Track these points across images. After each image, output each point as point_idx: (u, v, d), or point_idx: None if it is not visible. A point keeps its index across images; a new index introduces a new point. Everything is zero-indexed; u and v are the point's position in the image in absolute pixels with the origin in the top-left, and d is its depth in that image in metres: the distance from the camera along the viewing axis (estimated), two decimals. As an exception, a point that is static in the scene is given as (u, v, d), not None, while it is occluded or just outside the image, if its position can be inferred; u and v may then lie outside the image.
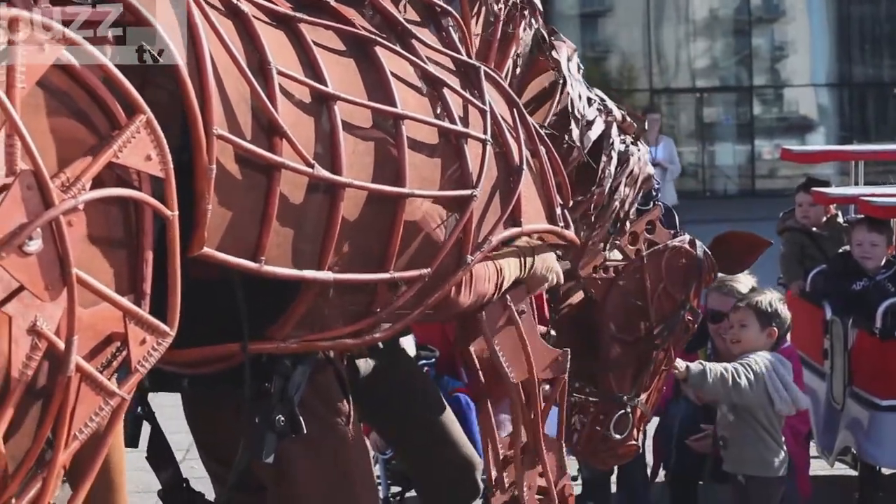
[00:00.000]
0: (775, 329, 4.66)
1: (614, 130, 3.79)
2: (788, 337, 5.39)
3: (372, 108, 2.56)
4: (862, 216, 5.93)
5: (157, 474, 2.79)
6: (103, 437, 1.95)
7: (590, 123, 3.64)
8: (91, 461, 1.95)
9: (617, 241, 3.88)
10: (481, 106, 2.87)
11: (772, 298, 4.73)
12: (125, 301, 1.97)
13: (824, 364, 5.55)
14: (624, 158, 3.80)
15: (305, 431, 2.58)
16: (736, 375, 4.46)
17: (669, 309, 4.04)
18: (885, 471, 5.78)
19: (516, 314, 3.09)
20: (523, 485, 3.20)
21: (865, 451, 5.20)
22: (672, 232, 4.09)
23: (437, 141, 2.73)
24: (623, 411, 3.98)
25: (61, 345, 1.81)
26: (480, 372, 3.18)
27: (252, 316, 2.47)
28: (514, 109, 3.08)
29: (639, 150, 3.90)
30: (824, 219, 6.60)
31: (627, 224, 3.90)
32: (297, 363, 2.61)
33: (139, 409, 2.76)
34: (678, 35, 23.85)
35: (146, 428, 2.81)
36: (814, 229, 6.55)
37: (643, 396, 4.04)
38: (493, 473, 3.24)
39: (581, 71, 3.79)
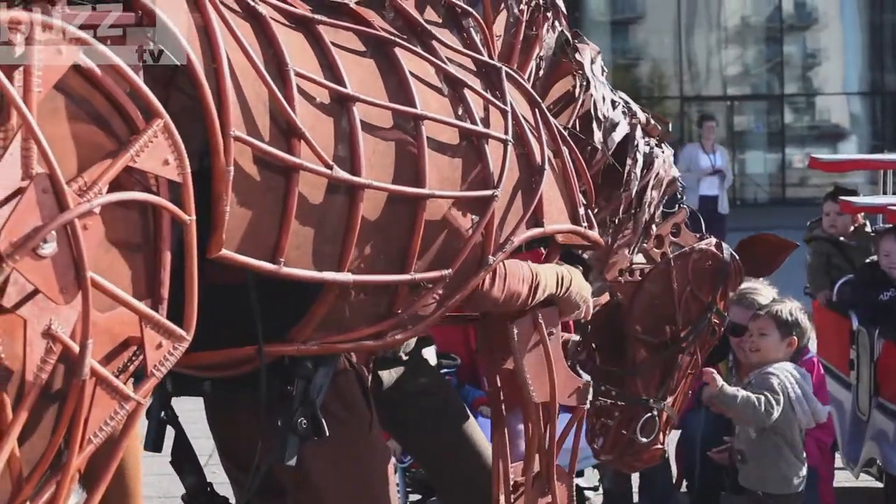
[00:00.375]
0: (795, 339, 4.63)
1: (639, 133, 3.76)
2: (811, 346, 5.38)
3: (392, 110, 2.55)
4: (890, 226, 5.88)
5: (182, 479, 2.78)
6: (118, 442, 1.95)
7: (614, 126, 3.62)
8: (106, 465, 1.94)
9: (643, 244, 3.85)
10: (502, 107, 2.86)
11: (792, 307, 4.69)
12: (141, 305, 1.97)
13: (850, 375, 5.50)
14: (649, 161, 3.78)
15: (328, 434, 2.57)
16: (768, 406, 4.41)
17: (696, 312, 4.01)
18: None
19: (546, 334, 3.05)
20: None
21: (891, 463, 5.15)
22: (698, 235, 4.07)
23: (458, 142, 2.72)
24: (649, 414, 3.95)
25: (76, 348, 1.81)
26: (500, 385, 3.14)
27: (272, 318, 2.45)
28: (537, 109, 3.06)
29: (663, 153, 3.88)
30: (852, 228, 6.55)
31: (653, 227, 3.87)
32: (319, 365, 2.60)
33: (163, 413, 2.76)
34: (709, 42, 23.80)
35: (170, 433, 2.80)
36: (841, 239, 6.50)
37: (669, 400, 4.02)
38: (501, 499, 3.18)
39: (605, 73, 3.77)
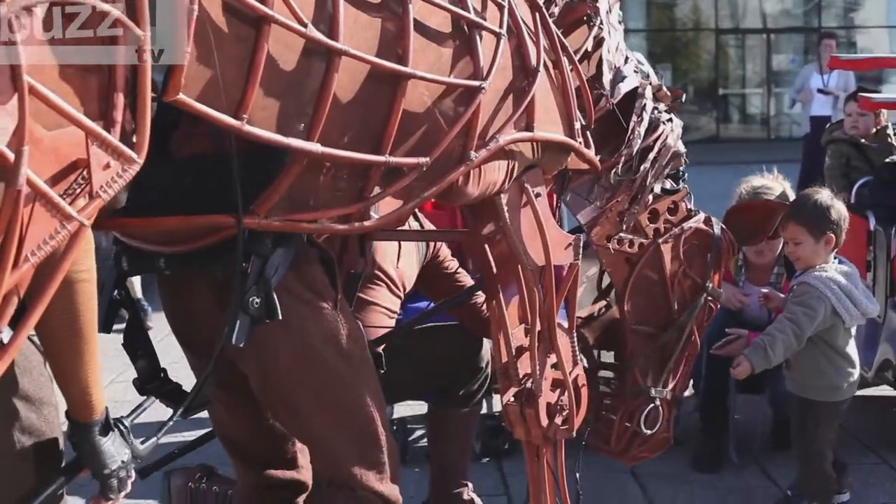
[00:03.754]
0: (832, 235, 4.41)
1: (648, 93, 3.66)
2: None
3: (376, -18, 2.44)
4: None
5: (133, 362, 2.70)
6: (58, 264, 1.87)
7: (623, 77, 3.53)
8: (46, 285, 1.84)
9: (635, 214, 3.70)
10: (500, 1, 2.75)
11: (817, 200, 4.46)
12: (88, 121, 1.89)
13: (867, 277, 5.36)
14: (655, 125, 3.66)
15: (281, 317, 2.49)
16: (797, 330, 4.29)
17: (690, 293, 3.90)
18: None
19: (533, 196, 3.00)
20: (538, 374, 3.10)
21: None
22: (689, 212, 3.90)
23: (448, 30, 2.62)
24: (652, 405, 3.87)
25: (11, 155, 1.72)
26: (493, 261, 3.06)
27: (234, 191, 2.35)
28: (537, 13, 2.97)
29: (672, 123, 3.74)
30: (874, 130, 6.39)
31: (650, 199, 3.72)
32: (279, 245, 2.51)
33: (115, 292, 2.67)
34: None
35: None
36: (862, 141, 6.35)
37: (671, 385, 3.93)
38: (506, 362, 3.12)
39: (622, 24, 3.68)
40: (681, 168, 3.80)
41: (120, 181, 1.92)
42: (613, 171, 3.57)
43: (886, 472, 4.93)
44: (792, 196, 4.98)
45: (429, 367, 4.00)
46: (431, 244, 4.22)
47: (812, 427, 4.43)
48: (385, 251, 4.01)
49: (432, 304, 4.17)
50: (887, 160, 5.81)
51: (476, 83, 2.63)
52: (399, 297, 4.09)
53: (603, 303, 3.98)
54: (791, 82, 23.24)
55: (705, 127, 23.78)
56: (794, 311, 4.33)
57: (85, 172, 1.88)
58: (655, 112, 3.65)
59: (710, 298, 3.94)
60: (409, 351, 3.81)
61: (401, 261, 4.08)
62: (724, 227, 3.98)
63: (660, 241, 3.77)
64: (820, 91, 11.53)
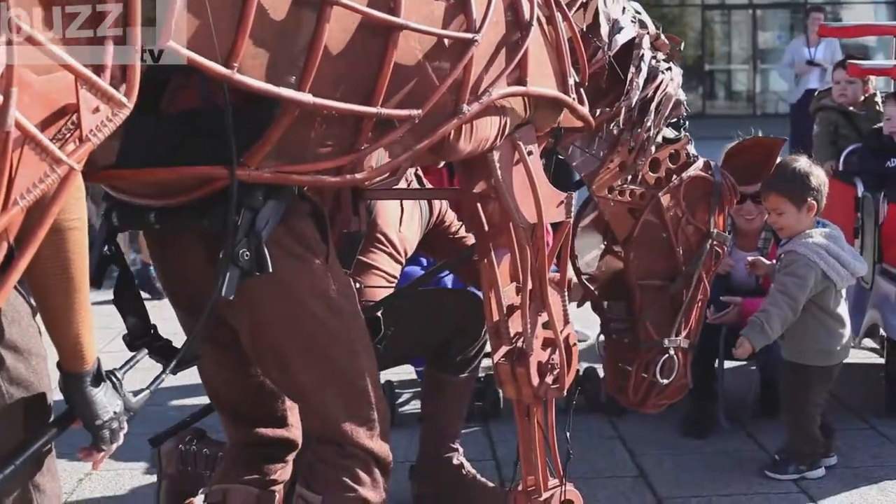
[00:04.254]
0: (813, 202, 4.43)
1: (646, 42, 3.64)
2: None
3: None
4: (893, 91, 5.73)
5: (124, 319, 2.68)
6: (48, 207, 1.85)
7: (620, 28, 3.50)
8: (36, 230, 1.83)
9: (638, 165, 3.69)
10: None
11: (796, 168, 4.47)
12: (78, 64, 1.85)
13: (854, 244, 5.36)
14: (654, 74, 3.64)
15: (271, 270, 2.47)
16: (791, 301, 4.33)
17: (696, 241, 3.91)
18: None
19: (525, 154, 2.98)
20: (529, 332, 3.09)
21: (892, 327, 5.04)
22: (688, 159, 3.88)
23: None
24: (666, 356, 3.89)
25: (-1, 97, 1.69)
26: (484, 219, 3.05)
27: (228, 143, 2.35)
28: None
29: (671, 72, 3.73)
30: (862, 98, 6.39)
31: (651, 149, 3.71)
32: (270, 198, 2.49)
33: (106, 248, 2.65)
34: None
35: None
36: (850, 108, 6.35)
37: (683, 333, 3.94)
38: (497, 321, 3.11)
39: None
40: (682, 116, 3.78)
41: (110, 125, 1.91)
42: (614, 122, 3.56)
43: (873, 436, 4.95)
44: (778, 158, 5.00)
45: (428, 332, 3.98)
46: (436, 208, 4.21)
47: (802, 391, 4.45)
48: (388, 216, 4.00)
49: (428, 267, 4.17)
50: (875, 127, 5.81)
51: (468, 36, 2.62)
52: (400, 262, 4.09)
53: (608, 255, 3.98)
54: (777, 59, 23.26)
55: (691, 103, 23.45)
56: (785, 282, 4.35)
57: (75, 117, 1.87)
58: (654, 61, 3.63)
59: (715, 243, 3.94)
60: (410, 314, 3.79)
61: (403, 226, 4.07)
62: (723, 171, 3.98)
63: (661, 193, 3.77)
64: (809, 63, 11.53)
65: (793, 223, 4.44)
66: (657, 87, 3.61)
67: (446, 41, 2.60)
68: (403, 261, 4.12)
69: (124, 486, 4.55)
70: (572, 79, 3.02)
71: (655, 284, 3.86)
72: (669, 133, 3.79)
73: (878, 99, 6.37)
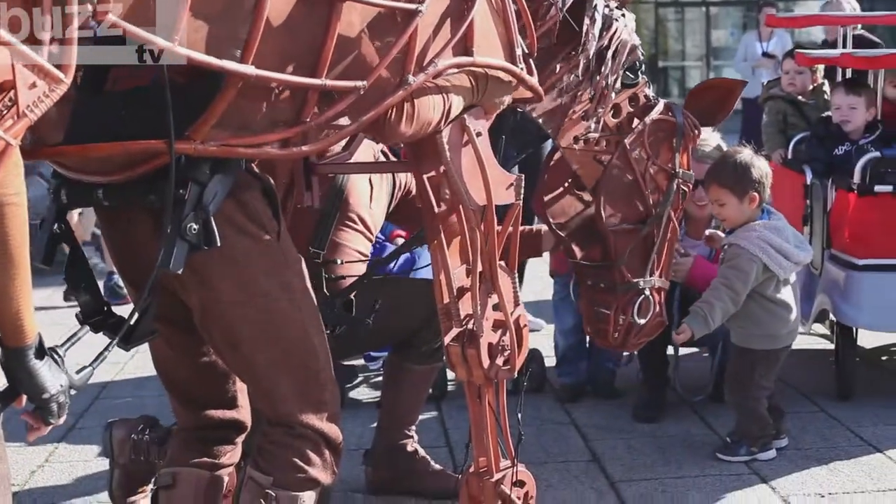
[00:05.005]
0: (755, 194, 4.50)
1: None
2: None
3: None
4: (840, 80, 5.79)
5: (76, 297, 2.66)
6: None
7: None
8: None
9: (599, 113, 3.73)
10: None
11: (738, 160, 4.54)
12: (13, 39, 1.84)
13: (804, 231, 5.42)
14: (608, 23, 3.66)
15: (220, 244, 2.47)
16: (733, 294, 4.43)
17: (663, 182, 3.95)
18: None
19: (474, 135, 3.00)
20: (479, 314, 3.10)
21: (842, 312, 5.11)
22: (647, 101, 3.92)
23: None
24: (642, 296, 3.95)
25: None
26: (434, 201, 3.06)
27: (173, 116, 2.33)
28: None
29: (624, 18, 3.74)
30: (811, 87, 6.46)
31: (612, 95, 3.75)
32: (217, 172, 2.49)
33: (56, 226, 2.63)
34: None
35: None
36: (799, 98, 6.41)
37: (657, 273, 3.99)
38: (447, 303, 3.12)
39: None
40: (638, 60, 3.82)
41: (47, 101, 1.91)
42: (573, 74, 3.58)
43: (823, 419, 5.00)
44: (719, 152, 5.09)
45: (395, 320, 3.97)
46: (401, 180, 4.22)
47: (748, 373, 4.52)
48: (359, 194, 4.01)
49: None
50: (822, 115, 5.87)
51: (413, 6, 2.62)
52: (371, 239, 4.10)
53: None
54: (731, 56, 23.39)
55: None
56: (728, 275, 4.44)
57: (12, 94, 1.86)
58: (607, 10, 3.66)
59: (681, 182, 4.00)
60: (378, 301, 3.79)
61: (373, 203, 4.08)
62: (685, 111, 4.03)
63: (626, 140, 3.82)
64: (765, 55, 11.63)
65: (735, 214, 4.53)
66: (612, 35, 3.64)
67: (391, 12, 2.60)
68: (373, 238, 4.14)
69: (77, 477, 4.53)
70: (520, 49, 3.02)
71: (627, 228, 3.92)
72: (627, 79, 3.83)
73: (826, 88, 6.45)
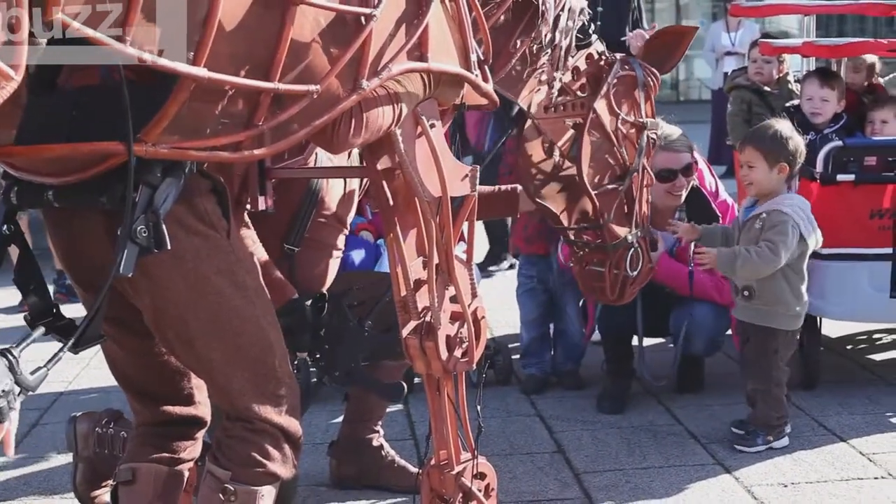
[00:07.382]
0: (786, 164, 4.55)
1: None
2: (721, 192, 5.33)
3: None
4: (812, 70, 5.81)
5: (25, 298, 2.64)
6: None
7: None
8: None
9: (561, 78, 3.79)
10: None
11: (777, 130, 4.59)
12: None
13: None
14: None
15: (171, 247, 2.46)
16: (773, 257, 4.44)
17: (634, 136, 4.04)
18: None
19: (427, 127, 3.00)
20: (436, 306, 3.10)
21: (808, 303, 5.10)
22: (601, 58, 3.95)
23: None
24: (633, 249, 4.09)
25: None
26: (389, 194, 3.05)
27: (124, 119, 2.31)
28: None
29: None
30: (776, 77, 6.49)
31: (569, 59, 3.81)
32: (168, 174, 2.48)
33: (5, 227, 2.62)
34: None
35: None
36: (765, 88, 6.44)
37: (641, 222, 4.12)
38: (404, 295, 3.12)
39: None
40: (585, 20, 3.87)
41: (-4, 98, 1.89)
42: (535, 45, 3.62)
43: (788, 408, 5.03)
44: (687, 140, 5.15)
45: (375, 318, 3.97)
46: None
47: (770, 357, 4.56)
48: (334, 193, 4.00)
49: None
50: (787, 105, 5.90)
51: (367, 10, 2.61)
52: (345, 234, 4.10)
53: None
54: (700, 46, 23.47)
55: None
56: (773, 238, 4.47)
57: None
58: None
59: (650, 132, 4.10)
60: (353, 298, 3.80)
61: (345, 198, 4.08)
62: (641, 62, 4.09)
63: (595, 105, 3.88)
64: (728, 54, 11.74)
65: (762, 179, 4.56)
66: (563, 5, 3.68)
67: (345, 16, 2.60)
68: (346, 230, 4.15)
69: (41, 470, 4.52)
70: (475, 55, 3.03)
71: (609, 189, 4.00)
72: (578, 41, 3.88)
73: (791, 78, 6.48)
